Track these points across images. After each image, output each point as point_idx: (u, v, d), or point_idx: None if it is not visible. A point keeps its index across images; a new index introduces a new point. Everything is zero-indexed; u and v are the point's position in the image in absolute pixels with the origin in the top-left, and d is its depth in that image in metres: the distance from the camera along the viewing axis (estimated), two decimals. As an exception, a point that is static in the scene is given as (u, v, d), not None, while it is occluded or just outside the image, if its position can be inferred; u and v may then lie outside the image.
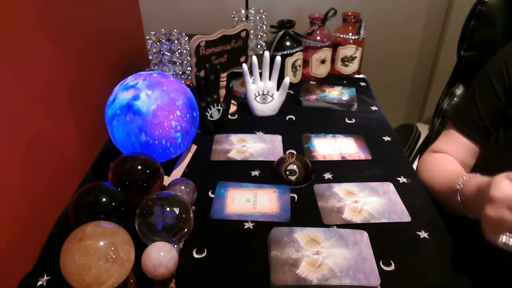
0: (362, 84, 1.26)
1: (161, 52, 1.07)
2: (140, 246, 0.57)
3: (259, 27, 1.25)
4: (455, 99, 1.06)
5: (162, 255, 0.55)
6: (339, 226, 0.72)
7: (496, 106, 0.76)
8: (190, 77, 1.15)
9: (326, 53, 1.23)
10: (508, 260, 0.71)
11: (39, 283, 0.63)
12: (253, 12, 1.23)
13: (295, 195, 0.80)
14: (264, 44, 1.28)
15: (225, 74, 1.07)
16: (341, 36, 1.24)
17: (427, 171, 0.83)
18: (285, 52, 1.15)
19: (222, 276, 0.64)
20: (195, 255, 0.67)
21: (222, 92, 1.01)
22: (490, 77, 0.76)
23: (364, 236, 0.68)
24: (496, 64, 0.76)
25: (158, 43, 1.07)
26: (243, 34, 1.06)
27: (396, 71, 1.70)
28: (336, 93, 1.15)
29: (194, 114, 0.80)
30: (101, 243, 0.51)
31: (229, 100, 1.01)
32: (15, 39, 0.73)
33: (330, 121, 1.07)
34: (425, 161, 0.86)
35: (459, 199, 0.66)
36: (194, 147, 0.92)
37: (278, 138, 0.99)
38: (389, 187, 0.82)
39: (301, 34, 1.18)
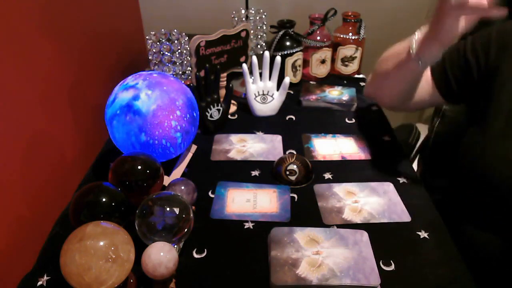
0: (362, 84, 1.26)
1: (161, 52, 1.07)
2: (140, 246, 0.57)
3: (259, 27, 1.25)
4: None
5: (162, 255, 0.56)
6: (339, 226, 0.72)
7: (459, 66, 0.75)
8: (190, 77, 1.15)
9: (326, 53, 1.23)
10: (507, 260, 0.71)
11: (39, 283, 0.63)
12: (253, 12, 1.23)
13: (295, 195, 0.80)
14: (264, 44, 1.28)
15: (225, 74, 1.07)
16: (341, 36, 1.24)
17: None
18: (285, 52, 1.15)
19: (222, 276, 0.64)
20: (195, 255, 0.67)
21: (222, 92, 1.01)
22: (466, 46, 0.75)
23: (364, 236, 0.68)
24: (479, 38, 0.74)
25: (158, 43, 1.07)
26: (243, 34, 1.06)
27: (396, 71, 1.70)
28: (336, 93, 1.15)
29: (194, 114, 0.80)
30: (101, 243, 0.51)
31: (229, 100, 1.01)
32: (15, 39, 0.72)
33: (330, 121, 1.06)
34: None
35: (413, 47, 0.70)
36: (194, 147, 0.92)
37: (278, 138, 0.99)
38: (389, 187, 0.82)
39: (301, 34, 1.18)
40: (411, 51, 0.70)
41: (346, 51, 1.25)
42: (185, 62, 1.13)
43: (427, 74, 0.79)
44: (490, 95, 0.69)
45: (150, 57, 1.10)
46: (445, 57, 0.76)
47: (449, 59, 0.76)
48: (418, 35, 0.70)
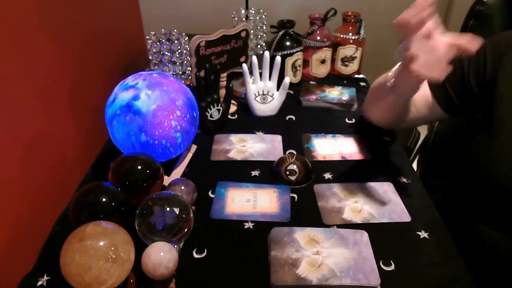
0: (362, 84, 1.26)
1: (161, 52, 1.07)
2: (140, 246, 0.57)
3: (259, 27, 1.25)
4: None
5: (162, 255, 0.56)
6: (339, 226, 0.72)
7: (459, 81, 0.75)
8: (190, 77, 1.15)
9: (326, 53, 1.23)
10: (507, 260, 0.71)
11: (39, 283, 0.63)
12: (253, 12, 1.23)
13: (295, 195, 0.80)
14: (264, 44, 1.28)
15: (225, 74, 1.07)
16: (341, 36, 1.24)
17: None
18: (285, 52, 1.15)
19: (222, 276, 0.64)
20: (195, 255, 0.67)
21: (222, 92, 1.01)
22: (462, 62, 0.74)
23: (364, 236, 0.68)
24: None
25: (158, 43, 1.07)
26: (243, 34, 1.06)
27: (396, 71, 1.70)
28: (336, 93, 1.15)
29: (194, 114, 0.80)
30: (101, 243, 0.51)
31: (229, 100, 1.01)
32: (15, 39, 0.72)
33: (330, 121, 1.06)
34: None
35: (391, 80, 0.70)
36: (194, 147, 0.92)
37: (278, 138, 0.99)
38: (389, 187, 0.82)
39: (301, 34, 1.18)
40: (388, 84, 0.70)
41: (346, 51, 1.25)
42: (185, 62, 1.13)
43: (425, 91, 0.79)
44: (491, 104, 0.70)
45: (150, 57, 1.10)
46: None
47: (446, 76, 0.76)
48: (396, 68, 0.69)
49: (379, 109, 0.82)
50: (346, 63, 1.28)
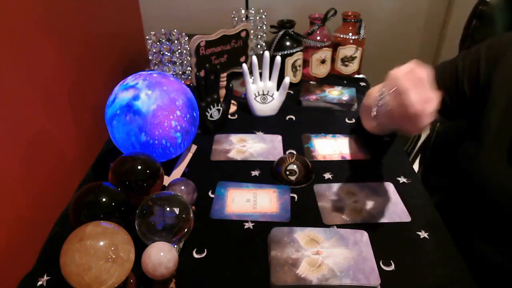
0: (362, 84, 1.26)
1: (161, 52, 1.07)
2: (140, 246, 0.57)
3: (259, 27, 1.25)
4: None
5: (162, 255, 0.56)
6: (339, 226, 0.72)
7: (452, 85, 0.74)
8: (190, 77, 1.15)
9: (326, 53, 1.23)
10: (507, 261, 0.71)
11: (39, 283, 0.63)
12: (253, 12, 1.23)
13: (295, 195, 0.80)
14: (264, 44, 1.28)
15: (225, 74, 1.07)
16: (341, 36, 1.24)
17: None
18: (285, 52, 1.15)
19: (222, 276, 0.64)
20: (195, 255, 0.67)
21: (222, 92, 1.01)
22: (457, 65, 0.74)
23: (364, 236, 0.68)
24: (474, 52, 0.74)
25: (158, 43, 1.07)
26: (243, 34, 1.06)
27: (396, 71, 1.70)
28: (336, 93, 1.15)
29: (194, 114, 0.80)
30: (101, 243, 0.51)
31: (229, 100, 1.01)
32: (16, 39, 0.73)
33: (330, 121, 1.06)
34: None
35: (375, 111, 0.67)
36: (194, 147, 0.92)
37: (278, 138, 0.99)
38: (389, 187, 0.82)
39: (301, 34, 1.18)
40: (372, 114, 0.68)
41: (346, 51, 1.25)
42: (185, 62, 1.13)
43: None
44: (482, 109, 0.69)
45: (150, 57, 1.10)
46: (437, 77, 0.76)
47: (441, 78, 0.76)
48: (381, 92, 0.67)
49: (372, 124, 0.82)
50: (346, 63, 1.28)
